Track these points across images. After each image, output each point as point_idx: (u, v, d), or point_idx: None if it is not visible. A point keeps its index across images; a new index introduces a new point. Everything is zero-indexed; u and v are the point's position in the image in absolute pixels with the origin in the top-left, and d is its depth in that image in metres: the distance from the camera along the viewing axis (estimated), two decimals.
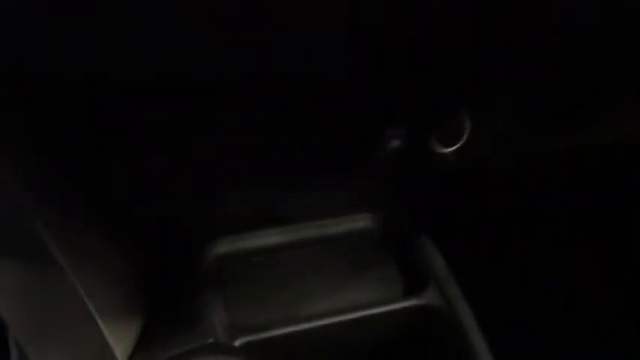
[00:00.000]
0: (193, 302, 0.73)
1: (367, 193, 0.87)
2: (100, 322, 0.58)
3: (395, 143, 0.64)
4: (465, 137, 0.66)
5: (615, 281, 0.94)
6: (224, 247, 0.82)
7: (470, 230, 0.90)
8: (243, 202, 0.83)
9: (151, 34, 0.43)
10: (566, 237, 0.99)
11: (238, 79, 0.54)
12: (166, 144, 0.60)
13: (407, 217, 0.86)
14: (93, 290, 0.56)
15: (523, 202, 1.02)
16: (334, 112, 0.59)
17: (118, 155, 0.57)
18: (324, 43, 0.51)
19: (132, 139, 0.58)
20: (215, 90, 0.56)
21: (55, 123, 0.52)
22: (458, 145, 0.66)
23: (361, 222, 0.87)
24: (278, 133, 0.65)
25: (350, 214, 0.87)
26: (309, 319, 0.73)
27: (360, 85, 0.57)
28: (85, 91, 0.49)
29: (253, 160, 0.73)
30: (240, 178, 0.79)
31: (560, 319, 0.87)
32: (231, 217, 0.83)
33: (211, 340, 0.66)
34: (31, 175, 0.50)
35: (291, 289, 0.79)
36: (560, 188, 1.03)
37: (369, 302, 0.75)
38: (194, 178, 0.76)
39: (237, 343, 0.69)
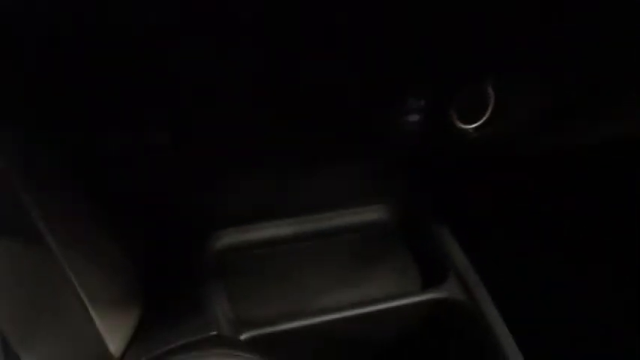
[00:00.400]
0: (195, 294, 0.68)
1: (378, 181, 0.82)
2: (93, 313, 0.53)
3: (413, 118, 0.59)
4: (488, 112, 0.61)
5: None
6: (227, 239, 0.77)
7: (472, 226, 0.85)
8: (247, 191, 0.79)
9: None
10: (566, 236, 0.95)
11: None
12: (167, 124, 0.55)
13: (423, 206, 0.82)
14: (86, 279, 0.52)
15: (526, 200, 0.97)
16: (349, 80, 0.55)
17: (118, 138, 0.53)
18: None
19: (132, 117, 0.53)
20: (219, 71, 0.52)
21: (55, 104, 0.48)
22: (481, 122, 0.62)
23: (372, 213, 0.83)
24: (283, 112, 0.61)
25: (360, 205, 0.82)
26: (319, 312, 0.67)
27: (379, 49, 0.52)
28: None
29: (257, 144, 0.69)
30: (243, 165, 0.75)
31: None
32: (234, 207, 0.78)
33: (215, 333, 0.61)
34: (30, 164, 0.46)
35: (298, 283, 0.74)
36: (563, 187, 0.99)
37: (384, 295, 0.70)
38: (196, 165, 0.71)
39: (242, 336, 0.63)
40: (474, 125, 0.62)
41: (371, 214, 0.83)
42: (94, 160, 0.56)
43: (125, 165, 0.60)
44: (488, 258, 0.77)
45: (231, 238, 0.78)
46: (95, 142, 0.51)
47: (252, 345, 0.63)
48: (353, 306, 0.68)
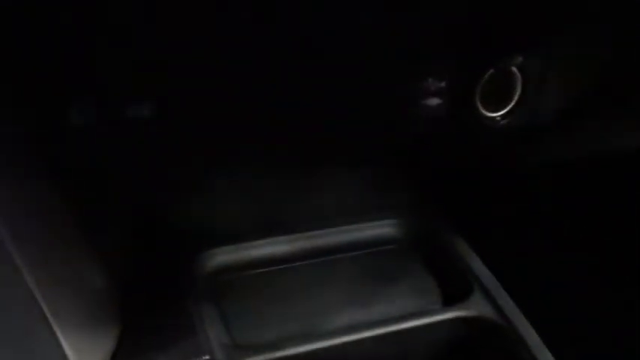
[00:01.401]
0: (184, 317, 0.59)
1: (387, 194, 0.75)
2: (61, 338, 0.43)
3: (434, 101, 0.52)
4: (515, 97, 0.55)
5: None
6: (220, 257, 0.69)
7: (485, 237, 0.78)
8: (244, 203, 0.71)
9: None
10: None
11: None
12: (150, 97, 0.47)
13: (436, 219, 0.74)
14: (55, 301, 0.43)
15: (539, 208, 0.90)
16: (366, 53, 0.48)
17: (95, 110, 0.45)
18: None
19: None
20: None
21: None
22: (507, 108, 0.55)
23: (381, 228, 0.75)
24: (283, 109, 0.54)
25: (367, 220, 0.74)
26: (329, 335, 0.58)
27: (399, 20, 0.46)
28: None
29: (250, 143, 0.61)
30: (238, 171, 0.67)
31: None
32: (227, 223, 0.70)
33: (207, 358, 0.51)
34: None
35: (302, 304, 0.65)
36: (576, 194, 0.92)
37: (402, 314, 0.61)
38: (185, 173, 0.64)
39: None
40: (500, 113, 0.55)
41: (380, 229, 0.75)
42: (68, 157, 0.48)
43: (109, 165, 0.53)
44: (503, 267, 0.70)
45: (224, 256, 0.69)
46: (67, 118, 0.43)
47: None
48: (368, 326, 0.59)
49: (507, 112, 0.55)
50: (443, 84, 0.52)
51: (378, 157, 0.70)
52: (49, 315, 0.42)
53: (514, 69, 0.53)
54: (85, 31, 0.40)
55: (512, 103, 0.55)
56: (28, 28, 0.38)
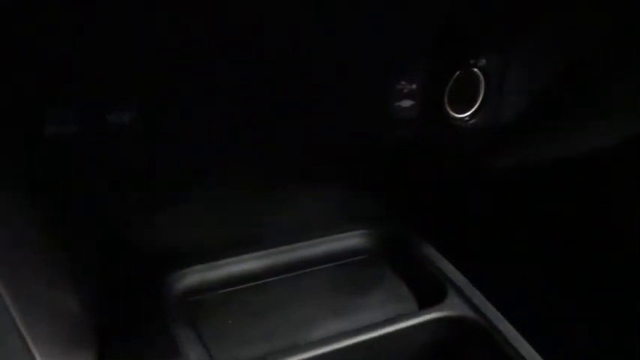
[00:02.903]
0: (162, 341, 0.56)
1: (356, 206, 0.76)
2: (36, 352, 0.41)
3: (405, 103, 0.53)
4: (479, 97, 0.57)
5: (584, 280, 0.86)
6: (193, 277, 0.67)
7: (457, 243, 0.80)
8: (213, 222, 0.69)
9: None
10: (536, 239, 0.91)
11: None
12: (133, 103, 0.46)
13: (406, 228, 0.75)
14: (34, 326, 0.40)
15: (516, 207, 0.93)
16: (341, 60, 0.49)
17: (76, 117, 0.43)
18: None
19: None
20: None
21: None
22: (473, 109, 0.57)
23: (352, 239, 0.75)
24: (254, 123, 0.53)
25: (338, 232, 0.75)
26: (312, 345, 0.57)
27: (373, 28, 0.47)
28: None
29: (223, 164, 0.61)
30: (207, 190, 0.66)
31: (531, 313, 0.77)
32: (198, 241, 0.68)
33: None
34: None
35: (281, 318, 0.64)
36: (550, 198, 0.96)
37: (382, 320, 0.61)
38: (153, 187, 0.62)
39: None
40: (466, 114, 0.58)
41: (349, 240, 0.75)
42: (43, 170, 0.46)
43: (80, 181, 0.51)
44: (475, 273, 0.71)
45: (195, 276, 0.67)
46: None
47: None
48: (350, 334, 0.58)
49: (473, 112, 0.57)
50: (413, 87, 0.53)
51: (344, 170, 0.71)
52: (29, 340, 0.39)
53: (477, 71, 0.56)
54: (66, 37, 0.39)
55: (478, 104, 0.57)
56: (8, 32, 0.37)
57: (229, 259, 0.68)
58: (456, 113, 0.57)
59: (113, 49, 0.41)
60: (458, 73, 0.55)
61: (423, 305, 0.66)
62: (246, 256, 0.69)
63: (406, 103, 0.54)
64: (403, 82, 0.53)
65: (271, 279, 0.69)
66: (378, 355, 0.59)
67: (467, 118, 0.58)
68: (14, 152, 0.41)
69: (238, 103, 0.51)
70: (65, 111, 0.41)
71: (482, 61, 0.55)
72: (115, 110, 0.42)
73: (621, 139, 0.76)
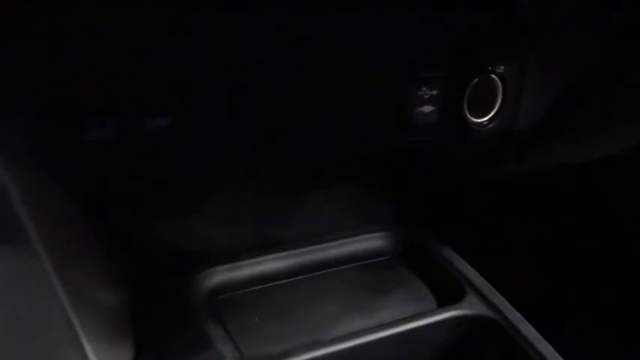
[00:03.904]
0: (192, 335, 0.59)
1: (381, 207, 0.78)
2: (88, 351, 0.44)
3: (427, 108, 0.56)
4: (497, 103, 0.59)
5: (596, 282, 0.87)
6: (220, 276, 0.70)
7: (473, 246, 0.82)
8: (240, 224, 0.72)
9: None
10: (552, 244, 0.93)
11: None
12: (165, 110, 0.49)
13: (425, 230, 0.77)
14: (83, 316, 0.43)
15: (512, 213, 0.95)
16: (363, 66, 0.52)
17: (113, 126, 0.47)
18: None
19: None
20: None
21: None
22: (492, 114, 0.60)
23: (373, 241, 0.77)
24: (281, 127, 0.56)
25: (360, 233, 0.77)
26: (336, 341, 0.60)
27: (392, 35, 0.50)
28: None
29: (250, 169, 0.63)
30: (235, 194, 0.69)
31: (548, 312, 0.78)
32: (226, 242, 0.71)
33: None
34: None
35: (305, 317, 0.67)
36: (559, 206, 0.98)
37: (401, 319, 0.63)
38: (183, 194, 0.65)
39: None
40: (485, 118, 0.60)
41: (371, 242, 0.77)
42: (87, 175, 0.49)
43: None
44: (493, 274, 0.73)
45: (222, 275, 0.70)
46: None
47: None
48: (372, 330, 0.61)
49: (491, 117, 0.60)
50: (434, 92, 0.56)
51: (365, 175, 0.74)
52: (80, 331, 0.42)
53: (495, 77, 0.58)
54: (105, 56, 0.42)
55: (496, 109, 0.59)
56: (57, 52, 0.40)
57: (254, 260, 0.71)
58: (475, 118, 0.60)
59: (150, 67, 0.44)
60: (476, 79, 0.58)
61: (442, 304, 0.68)
62: (270, 257, 0.72)
63: (427, 108, 0.56)
64: (424, 89, 0.55)
65: (294, 278, 0.72)
66: (397, 352, 0.61)
67: (485, 123, 0.60)
68: (59, 156, 0.45)
69: (263, 114, 0.54)
70: (104, 120, 0.45)
71: (501, 68, 0.57)
72: (151, 120, 0.45)
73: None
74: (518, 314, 0.64)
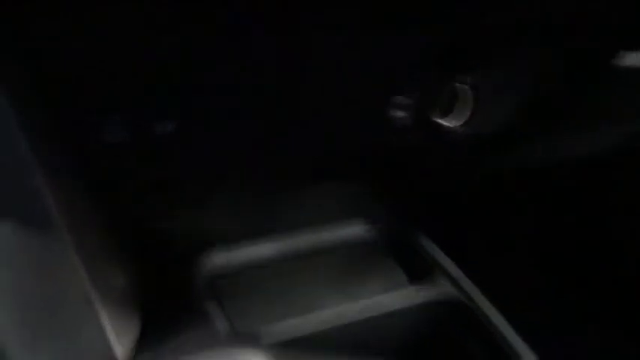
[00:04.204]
0: (191, 312, 0.67)
1: (362, 198, 0.85)
2: (102, 315, 0.52)
3: (401, 114, 0.63)
4: (468, 110, 0.65)
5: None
6: (217, 260, 0.77)
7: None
8: (237, 215, 0.79)
9: None
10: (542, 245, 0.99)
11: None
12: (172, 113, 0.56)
13: (404, 221, 0.84)
14: (98, 281, 0.51)
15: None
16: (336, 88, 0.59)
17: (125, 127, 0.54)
18: None
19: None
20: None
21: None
22: (464, 120, 0.66)
23: (358, 229, 0.84)
24: (275, 129, 0.63)
25: (345, 222, 0.84)
26: (320, 322, 0.67)
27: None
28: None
29: (247, 164, 0.70)
30: (231, 187, 0.76)
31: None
32: (225, 231, 0.79)
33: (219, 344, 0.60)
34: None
35: (293, 299, 0.74)
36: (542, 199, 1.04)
37: (380, 300, 0.71)
38: (185, 186, 0.72)
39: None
40: (457, 124, 0.66)
41: (354, 230, 0.85)
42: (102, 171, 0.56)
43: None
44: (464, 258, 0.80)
45: (219, 259, 0.77)
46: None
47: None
48: (350, 312, 0.68)
49: (464, 123, 0.66)
50: (408, 100, 0.62)
51: (350, 172, 0.80)
52: (97, 302, 0.50)
53: (466, 86, 0.64)
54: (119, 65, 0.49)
55: (468, 115, 0.66)
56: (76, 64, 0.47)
57: (249, 246, 0.78)
58: (448, 123, 0.66)
59: (162, 73, 0.51)
60: (449, 87, 0.64)
61: (415, 287, 0.75)
62: (263, 244, 0.79)
63: (401, 113, 0.63)
64: (399, 96, 0.62)
65: (284, 262, 0.79)
66: (374, 332, 0.69)
67: (458, 128, 0.66)
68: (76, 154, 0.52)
69: (258, 117, 0.61)
70: (117, 122, 0.52)
71: (471, 77, 0.64)
72: (159, 122, 0.53)
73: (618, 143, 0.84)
74: (484, 298, 0.71)
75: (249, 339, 0.63)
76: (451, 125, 0.66)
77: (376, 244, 0.84)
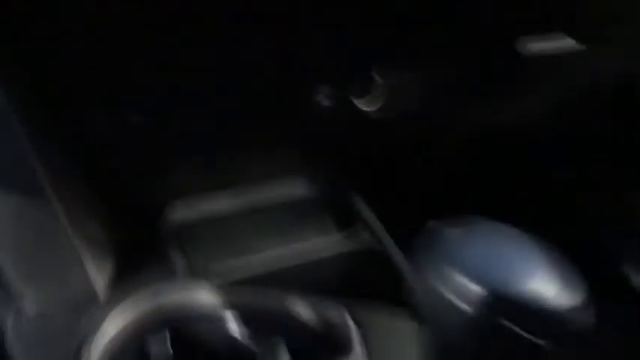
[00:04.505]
0: (157, 255, 0.83)
1: (305, 158, 1.01)
2: (85, 260, 0.68)
3: (326, 102, 0.77)
4: (379, 95, 0.80)
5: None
6: (181, 211, 0.93)
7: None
8: (196, 169, 0.94)
9: None
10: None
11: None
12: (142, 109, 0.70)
13: (337, 178, 1.01)
14: (78, 231, 0.67)
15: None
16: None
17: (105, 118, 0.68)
18: None
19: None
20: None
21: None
22: (374, 102, 0.81)
23: (298, 184, 1.00)
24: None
25: (289, 178, 1.00)
26: (262, 266, 0.85)
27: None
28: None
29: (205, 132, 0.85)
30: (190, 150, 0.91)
31: None
32: (186, 186, 0.94)
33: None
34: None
35: (242, 245, 0.90)
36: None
37: (311, 247, 0.89)
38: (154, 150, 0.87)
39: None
40: (372, 108, 0.81)
41: (300, 187, 1.00)
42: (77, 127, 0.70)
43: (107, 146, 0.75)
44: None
45: (182, 211, 0.93)
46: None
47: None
48: (286, 257, 0.86)
49: (378, 108, 0.81)
50: (333, 89, 0.77)
51: (292, 138, 0.95)
52: (79, 247, 0.66)
53: (379, 78, 0.79)
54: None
55: (381, 102, 0.81)
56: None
57: (207, 200, 0.94)
58: (366, 107, 0.81)
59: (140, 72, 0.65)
60: (363, 78, 0.79)
61: (343, 234, 0.93)
62: (223, 197, 0.95)
63: (327, 101, 0.78)
64: (325, 86, 0.77)
65: (237, 215, 0.95)
66: (300, 275, 0.86)
67: (375, 111, 0.81)
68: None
69: (212, 95, 0.75)
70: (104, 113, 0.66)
71: (382, 70, 0.78)
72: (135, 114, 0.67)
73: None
74: (398, 248, 0.88)
75: (200, 277, 0.79)
76: (368, 109, 0.81)
77: (314, 200, 1.00)
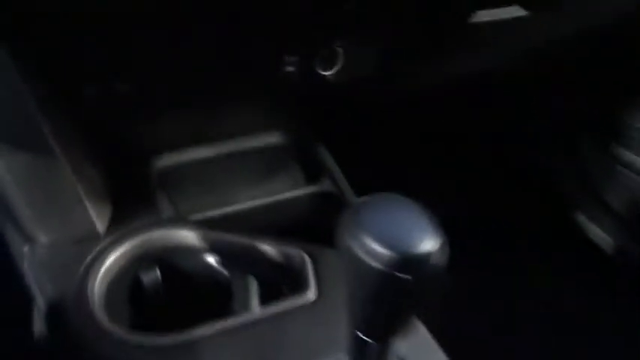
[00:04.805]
0: (147, 197, 0.97)
1: (276, 113, 1.13)
2: (86, 203, 0.81)
3: (290, 68, 0.89)
4: (339, 63, 0.92)
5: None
6: (167, 159, 1.06)
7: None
8: (179, 125, 1.07)
9: None
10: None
11: None
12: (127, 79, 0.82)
13: (306, 131, 1.14)
14: (80, 177, 0.80)
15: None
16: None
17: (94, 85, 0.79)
18: None
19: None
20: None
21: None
22: (335, 70, 0.93)
23: (272, 137, 1.14)
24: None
25: (264, 131, 1.13)
26: (238, 204, 0.99)
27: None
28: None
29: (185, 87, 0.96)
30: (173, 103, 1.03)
31: None
32: (175, 138, 1.07)
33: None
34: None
35: (221, 191, 1.04)
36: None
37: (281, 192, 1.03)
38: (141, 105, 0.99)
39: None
40: (332, 72, 0.94)
41: (272, 138, 1.14)
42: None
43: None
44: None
45: (169, 160, 1.06)
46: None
47: None
48: (262, 198, 1.01)
49: (336, 72, 0.93)
50: (296, 58, 0.89)
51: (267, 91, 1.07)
52: (81, 191, 0.79)
53: (337, 48, 0.91)
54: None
55: (338, 67, 0.93)
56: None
57: (191, 150, 1.07)
58: (325, 72, 0.93)
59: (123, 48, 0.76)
60: (324, 49, 0.91)
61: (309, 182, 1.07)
62: (203, 148, 1.08)
63: (290, 68, 0.90)
64: (288, 55, 0.88)
65: (217, 164, 1.08)
66: (274, 216, 1.01)
67: (333, 75, 0.94)
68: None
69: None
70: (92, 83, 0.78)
71: (339, 42, 0.90)
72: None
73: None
74: (355, 195, 1.03)
75: (182, 216, 0.94)
76: (328, 74, 0.94)
77: (286, 150, 1.14)
